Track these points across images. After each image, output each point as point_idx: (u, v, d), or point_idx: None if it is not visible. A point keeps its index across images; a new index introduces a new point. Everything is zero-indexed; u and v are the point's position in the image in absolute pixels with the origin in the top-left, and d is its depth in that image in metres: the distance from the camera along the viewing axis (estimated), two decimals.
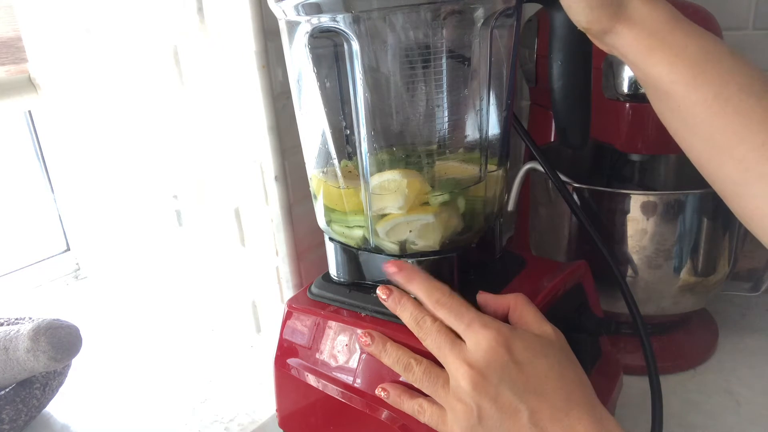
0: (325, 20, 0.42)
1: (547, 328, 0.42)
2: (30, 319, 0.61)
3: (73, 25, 0.68)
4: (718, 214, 0.61)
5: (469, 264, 0.49)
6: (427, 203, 0.46)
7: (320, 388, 0.50)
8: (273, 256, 0.61)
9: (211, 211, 0.65)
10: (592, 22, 0.38)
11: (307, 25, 0.44)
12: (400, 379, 0.44)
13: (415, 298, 0.44)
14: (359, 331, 0.46)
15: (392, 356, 0.44)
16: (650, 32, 0.37)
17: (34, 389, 0.56)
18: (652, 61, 0.38)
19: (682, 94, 0.37)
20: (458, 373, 0.39)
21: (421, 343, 0.43)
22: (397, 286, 0.45)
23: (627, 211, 0.61)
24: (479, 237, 0.50)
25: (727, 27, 0.65)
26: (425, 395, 0.43)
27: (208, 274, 0.71)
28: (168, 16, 0.58)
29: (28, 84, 0.76)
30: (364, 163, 0.46)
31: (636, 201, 0.60)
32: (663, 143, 0.62)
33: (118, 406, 0.62)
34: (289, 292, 0.61)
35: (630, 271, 0.63)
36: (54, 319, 0.54)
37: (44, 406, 0.59)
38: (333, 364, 0.49)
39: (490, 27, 0.44)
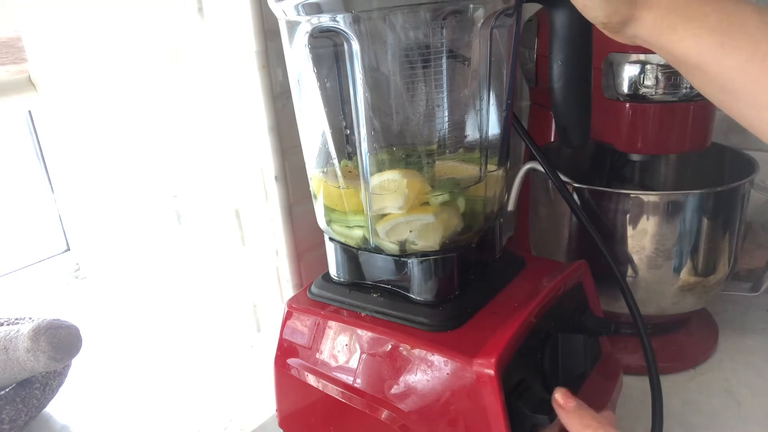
0: (325, 20, 0.42)
1: None
2: (30, 319, 0.61)
3: (73, 25, 0.68)
4: (718, 214, 0.61)
5: (469, 264, 0.49)
6: (427, 203, 0.46)
7: (320, 388, 0.50)
8: (273, 256, 0.61)
9: (211, 211, 0.65)
10: (611, 15, 0.38)
11: (307, 25, 0.44)
12: None
13: None
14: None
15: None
16: (668, 10, 0.37)
17: (34, 389, 0.56)
18: (676, 38, 0.37)
19: (713, 64, 0.36)
20: None
21: None
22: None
23: (627, 211, 0.61)
24: (479, 237, 0.50)
25: None
26: None
27: (208, 274, 0.71)
28: (168, 16, 0.58)
29: (28, 84, 0.76)
30: (364, 163, 0.46)
31: (636, 201, 0.60)
32: (663, 143, 0.62)
33: (118, 406, 0.62)
34: (289, 292, 0.62)
35: (630, 271, 0.63)
36: (54, 319, 0.54)
37: (44, 406, 0.59)
38: (333, 364, 0.49)
39: (490, 27, 0.44)
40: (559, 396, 0.43)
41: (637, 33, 0.38)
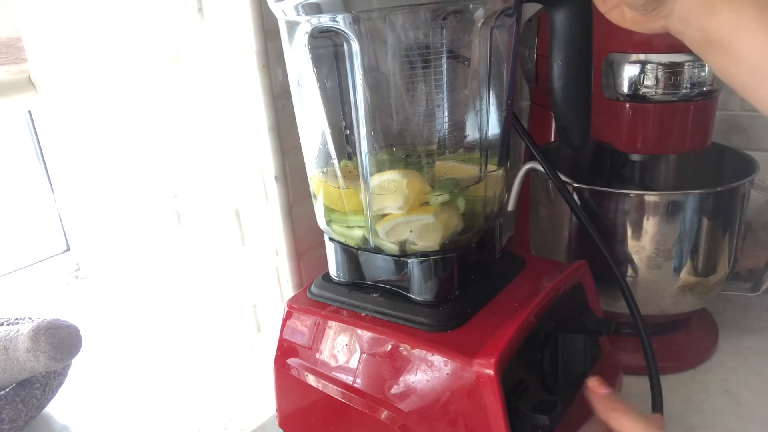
0: (325, 20, 0.42)
1: None
2: (30, 319, 0.61)
3: (73, 25, 0.68)
4: (718, 214, 0.61)
5: (469, 264, 0.49)
6: (427, 203, 0.46)
7: (320, 388, 0.50)
8: (273, 256, 0.61)
9: (211, 211, 0.65)
10: None
11: (307, 25, 0.44)
12: None
13: None
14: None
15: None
16: None
17: (34, 389, 0.56)
18: (714, 11, 0.37)
19: (747, 40, 0.36)
20: None
21: None
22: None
23: (627, 211, 0.61)
24: (479, 237, 0.50)
25: None
26: None
27: (208, 274, 0.71)
28: (168, 17, 0.58)
29: (28, 84, 0.76)
30: (364, 163, 0.46)
31: (636, 201, 0.60)
32: (663, 143, 0.62)
33: (118, 406, 0.62)
34: (289, 292, 0.62)
35: (630, 271, 0.63)
36: (54, 319, 0.54)
37: (44, 406, 0.59)
38: (333, 364, 0.49)
39: (490, 27, 0.44)
40: (593, 382, 0.44)
41: (674, 8, 0.38)
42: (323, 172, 0.51)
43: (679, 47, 0.57)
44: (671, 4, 0.39)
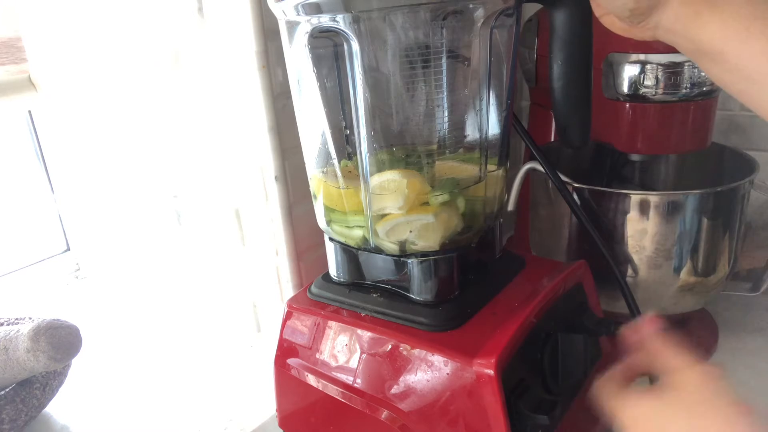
0: (325, 20, 0.42)
1: None
2: (30, 319, 0.61)
3: (74, 25, 0.68)
4: (718, 214, 0.61)
5: (469, 264, 0.49)
6: (427, 203, 0.46)
7: (320, 388, 0.50)
8: (273, 256, 0.61)
9: (211, 211, 0.65)
10: (640, 0, 0.38)
11: (307, 25, 0.44)
12: None
13: None
14: None
15: None
16: None
17: (34, 389, 0.56)
18: (701, 23, 0.37)
19: (738, 50, 0.36)
20: None
21: None
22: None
23: (627, 211, 0.61)
24: (479, 237, 0.50)
25: None
26: None
27: (208, 274, 0.71)
28: (168, 17, 0.58)
29: (28, 84, 0.76)
30: (364, 163, 0.46)
31: (636, 201, 0.60)
32: (663, 143, 0.62)
33: (118, 406, 0.62)
34: (289, 292, 0.62)
35: (630, 271, 0.63)
36: (54, 319, 0.54)
37: (44, 406, 0.59)
38: (333, 364, 0.49)
39: (490, 27, 0.44)
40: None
41: (661, 20, 0.38)
42: (323, 172, 0.51)
43: None
44: (657, 17, 0.38)
